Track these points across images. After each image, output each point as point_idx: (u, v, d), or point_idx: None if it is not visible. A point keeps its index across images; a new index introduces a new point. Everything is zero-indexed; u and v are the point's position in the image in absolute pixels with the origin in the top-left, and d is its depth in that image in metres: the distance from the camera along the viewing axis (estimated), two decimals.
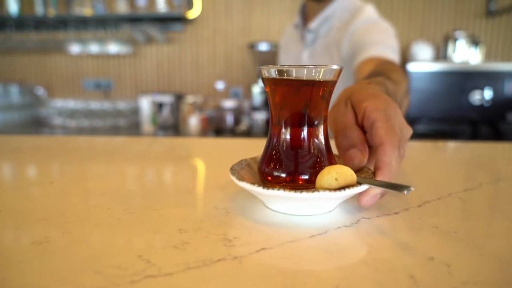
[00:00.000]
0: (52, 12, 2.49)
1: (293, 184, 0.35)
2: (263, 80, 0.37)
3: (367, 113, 0.37)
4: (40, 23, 2.58)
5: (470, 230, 0.32)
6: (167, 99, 2.36)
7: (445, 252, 0.27)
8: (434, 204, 0.38)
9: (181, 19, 2.54)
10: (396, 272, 0.25)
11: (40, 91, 2.73)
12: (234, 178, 0.34)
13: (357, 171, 0.37)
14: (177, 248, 0.28)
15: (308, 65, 0.34)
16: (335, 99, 0.43)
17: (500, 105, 2.04)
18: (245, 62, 2.58)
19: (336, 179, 0.32)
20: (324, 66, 0.34)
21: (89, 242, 0.30)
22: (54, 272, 0.25)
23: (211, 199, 0.40)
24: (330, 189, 0.31)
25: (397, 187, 0.29)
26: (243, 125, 2.35)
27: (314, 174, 0.34)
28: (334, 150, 0.39)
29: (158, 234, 0.30)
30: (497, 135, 2.07)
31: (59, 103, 2.45)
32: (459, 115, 2.09)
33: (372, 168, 0.36)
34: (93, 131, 2.35)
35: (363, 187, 0.32)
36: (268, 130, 0.39)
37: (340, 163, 0.38)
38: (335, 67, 0.35)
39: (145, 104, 2.33)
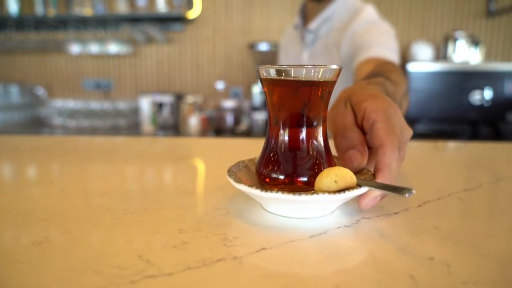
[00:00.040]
0: (52, 12, 2.49)
1: (291, 186, 0.35)
2: (261, 80, 0.36)
3: (367, 114, 0.36)
4: (40, 23, 2.58)
5: (470, 230, 0.32)
6: (167, 99, 2.36)
7: (445, 252, 0.27)
8: (434, 204, 0.38)
9: (181, 19, 2.54)
10: (396, 272, 0.25)
11: (40, 91, 2.73)
12: (231, 180, 0.34)
13: (356, 172, 0.36)
14: (177, 248, 0.28)
15: (307, 65, 0.34)
16: (334, 99, 0.43)
17: (500, 105, 2.04)
18: (245, 62, 2.58)
19: (335, 182, 0.31)
20: (323, 66, 0.34)
21: (89, 242, 0.29)
22: (54, 272, 0.25)
23: (211, 199, 0.40)
24: (329, 192, 0.31)
25: (398, 190, 0.29)
26: (243, 125, 2.35)
27: (313, 176, 0.34)
28: (333, 151, 0.38)
29: (158, 234, 0.30)
30: (497, 135, 2.07)
31: (59, 103, 2.45)
32: (459, 115, 2.09)
33: (372, 169, 0.36)
34: (93, 131, 2.35)
35: (363, 189, 0.31)
36: (266, 131, 0.38)
37: (339, 165, 0.38)
38: (334, 67, 0.34)
39: (145, 104, 2.33)
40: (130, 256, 0.26)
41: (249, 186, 0.32)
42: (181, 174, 0.55)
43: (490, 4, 2.29)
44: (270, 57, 2.47)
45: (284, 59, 1.24)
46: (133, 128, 2.41)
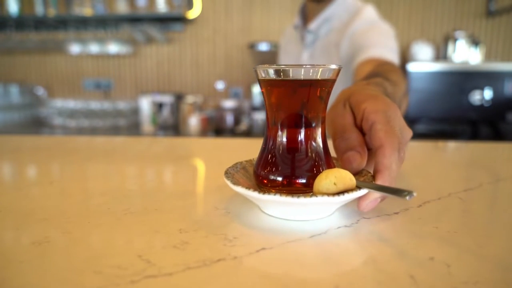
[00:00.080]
0: (52, 12, 2.49)
1: (290, 188, 0.34)
2: (259, 80, 0.36)
3: (366, 115, 0.36)
4: (40, 23, 2.58)
5: (470, 230, 0.32)
6: (167, 99, 2.36)
7: (445, 252, 0.27)
8: (434, 204, 0.38)
9: (181, 19, 2.54)
10: (396, 272, 0.25)
11: (40, 91, 2.73)
12: (228, 182, 0.33)
13: (356, 174, 0.36)
14: (177, 248, 0.28)
15: (305, 65, 0.33)
16: (333, 100, 0.42)
17: (500, 105, 2.04)
18: (245, 62, 2.58)
19: (334, 184, 0.31)
20: (322, 66, 0.33)
21: (89, 242, 0.29)
22: (54, 272, 0.25)
23: (211, 199, 0.40)
24: (328, 194, 0.30)
25: (398, 192, 0.28)
26: (243, 125, 2.35)
27: (311, 177, 0.33)
28: (332, 153, 0.38)
29: (158, 234, 0.30)
30: (497, 135, 2.07)
31: (59, 103, 2.45)
32: (459, 115, 2.09)
33: (371, 171, 0.35)
34: (93, 131, 2.35)
35: (363, 191, 0.31)
36: (264, 131, 0.38)
37: (338, 166, 0.37)
38: (333, 66, 0.34)
39: (145, 104, 2.34)
40: (130, 256, 0.26)
41: (246, 188, 0.31)
42: (181, 174, 0.55)
43: (490, 4, 2.29)
44: (270, 57, 2.47)
45: (284, 59, 1.24)
46: (133, 128, 2.41)
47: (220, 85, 2.61)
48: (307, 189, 0.34)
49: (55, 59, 2.74)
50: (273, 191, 0.34)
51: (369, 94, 0.39)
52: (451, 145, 0.87)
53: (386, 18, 1.09)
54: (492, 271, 0.25)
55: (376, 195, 0.32)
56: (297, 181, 0.34)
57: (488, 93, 2.04)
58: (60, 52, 2.68)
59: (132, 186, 0.47)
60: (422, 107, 2.09)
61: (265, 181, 0.35)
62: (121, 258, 0.26)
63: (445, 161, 0.67)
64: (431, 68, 2.10)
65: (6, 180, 0.52)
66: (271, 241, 0.29)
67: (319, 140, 0.36)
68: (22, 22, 2.56)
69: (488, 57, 2.36)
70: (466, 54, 2.20)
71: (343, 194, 0.30)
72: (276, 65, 0.34)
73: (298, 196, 0.29)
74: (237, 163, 0.39)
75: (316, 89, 0.35)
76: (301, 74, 0.34)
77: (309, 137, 0.35)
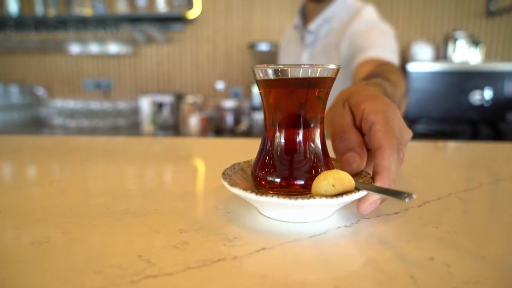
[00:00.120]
0: (52, 12, 2.49)
1: (288, 189, 0.34)
2: (257, 80, 0.35)
3: (366, 115, 0.35)
4: (40, 23, 2.58)
5: (470, 230, 0.32)
6: (167, 99, 2.36)
7: (445, 252, 0.27)
8: (434, 204, 0.38)
9: (181, 19, 2.54)
10: (396, 272, 0.25)
11: (40, 91, 2.73)
12: (226, 184, 0.33)
13: (355, 175, 0.35)
14: (177, 248, 0.28)
15: (304, 65, 0.33)
16: (332, 100, 0.42)
17: (500, 105, 2.05)
18: (245, 62, 2.58)
19: (333, 185, 0.30)
20: (321, 66, 0.33)
21: (89, 242, 0.30)
22: (54, 272, 0.25)
23: (211, 199, 0.40)
24: (326, 196, 0.30)
25: (398, 194, 0.28)
26: (243, 125, 2.35)
27: (310, 178, 0.33)
28: (331, 153, 0.38)
29: (158, 234, 0.30)
30: (497, 135, 2.07)
31: (59, 103, 2.45)
32: (459, 115, 2.09)
33: (371, 172, 0.35)
34: (93, 131, 2.35)
35: (361, 193, 0.31)
36: (262, 132, 0.37)
37: (337, 167, 0.37)
38: (331, 66, 0.33)
39: (145, 104, 2.34)
40: (130, 256, 0.26)
41: (243, 189, 0.31)
42: (181, 174, 0.55)
43: (490, 4, 2.29)
44: (270, 57, 2.47)
45: (284, 60, 1.24)
46: (133, 128, 2.41)
47: (220, 85, 2.61)
48: (306, 191, 0.34)
49: (55, 59, 2.74)
50: (271, 192, 0.34)
51: (368, 95, 0.38)
52: (451, 145, 0.87)
53: (386, 18, 1.09)
54: (492, 271, 0.25)
55: (376, 197, 0.31)
56: (296, 182, 0.34)
57: (488, 93, 2.04)
58: (60, 52, 2.68)
59: (132, 186, 0.47)
60: (422, 107, 2.09)
61: (263, 183, 0.35)
62: (121, 258, 0.26)
63: (445, 161, 0.67)
64: (431, 68, 2.10)
65: (6, 180, 0.52)
66: (271, 241, 0.29)
67: (318, 141, 0.35)
68: (22, 22, 2.56)
69: (488, 57, 2.36)
70: (466, 54, 2.20)
71: (342, 196, 0.30)
72: (274, 65, 0.33)
73: (296, 198, 0.29)
74: (235, 164, 0.39)
75: (314, 89, 0.34)
76: (299, 74, 0.33)
77: (308, 138, 0.35)
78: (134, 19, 2.50)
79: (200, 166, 0.62)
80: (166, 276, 0.24)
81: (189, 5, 2.47)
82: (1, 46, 2.64)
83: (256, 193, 0.30)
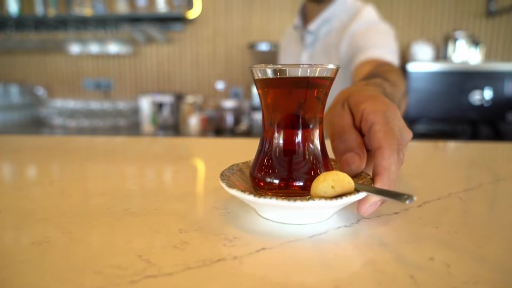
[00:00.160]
0: (52, 12, 2.49)
1: (287, 190, 0.34)
2: (255, 80, 0.35)
3: (365, 115, 0.35)
4: (40, 23, 2.58)
5: (470, 230, 0.32)
6: (167, 99, 2.36)
7: (445, 252, 0.27)
8: (434, 204, 0.38)
9: (181, 19, 2.54)
10: (396, 272, 0.25)
11: (40, 91, 2.73)
12: (224, 185, 0.32)
13: (354, 176, 0.35)
14: (177, 248, 0.28)
15: (303, 65, 0.33)
16: (331, 101, 0.42)
17: (500, 105, 2.05)
18: (245, 62, 2.58)
19: (332, 187, 0.30)
20: (320, 66, 0.33)
21: (89, 242, 0.30)
22: (54, 272, 0.25)
23: (211, 199, 0.40)
24: (326, 198, 0.29)
25: (398, 196, 0.27)
26: (243, 125, 2.35)
27: (309, 180, 0.33)
28: (331, 154, 0.37)
29: (158, 234, 0.30)
30: (497, 135, 2.07)
31: (59, 103, 2.45)
32: (459, 115, 2.09)
33: (370, 173, 0.35)
34: (93, 131, 2.35)
35: (361, 194, 0.30)
36: (261, 133, 0.37)
37: (336, 168, 0.37)
38: (330, 66, 0.33)
39: (145, 104, 2.34)
40: (130, 256, 0.26)
41: (242, 191, 0.31)
42: (181, 174, 0.55)
43: (490, 4, 2.29)
44: (270, 57, 2.47)
45: (284, 60, 1.24)
46: (133, 128, 2.41)
47: (220, 85, 2.61)
48: (305, 192, 0.34)
49: (55, 59, 2.74)
50: (270, 194, 0.34)
51: (368, 95, 0.38)
52: (451, 145, 0.87)
53: (386, 18, 1.09)
54: (492, 271, 0.25)
55: (376, 198, 0.31)
56: (294, 183, 0.34)
57: (488, 93, 2.04)
58: (60, 52, 2.68)
59: (132, 186, 0.47)
60: (422, 107, 2.09)
61: (262, 184, 0.35)
62: (121, 258, 0.26)
63: (445, 161, 0.67)
64: (431, 68, 2.10)
65: (6, 180, 0.52)
66: (271, 241, 0.29)
67: (317, 141, 0.35)
68: (22, 22, 2.56)
69: (488, 57, 2.36)
70: (466, 54, 2.20)
71: (341, 197, 0.29)
72: (273, 64, 0.33)
73: (295, 200, 0.29)
74: (233, 165, 0.39)
75: (313, 89, 0.34)
76: (298, 74, 0.33)
77: (307, 138, 0.35)
78: (134, 19, 2.50)
79: (200, 166, 0.62)
80: (166, 276, 0.24)
81: (189, 5, 2.47)
82: (1, 46, 2.64)
83: (255, 195, 0.30)
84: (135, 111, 2.47)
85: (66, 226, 0.32)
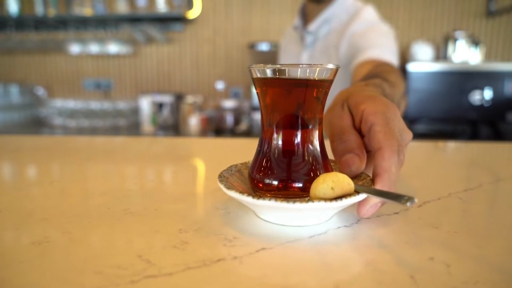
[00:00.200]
0: (52, 12, 2.49)
1: (286, 192, 0.33)
2: (254, 80, 0.35)
3: (365, 116, 0.35)
4: (40, 23, 2.58)
5: (470, 230, 0.32)
6: (167, 99, 2.36)
7: (445, 252, 0.27)
8: (434, 204, 0.38)
9: (181, 19, 2.54)
10: (396, 272, 0.25)
11: (40, 91, 2.73)
12: (222, 186, 0.32)
13: (354, 177, 0.35)
14: (177, 248, 0.28)
15: (302, 64, 0.32)
16: (331, 101, 0.42)
17: (500, 105, 2.05)
18: (245, 62, 2.58)
19: (332, 188, 0.29)
20: (319, 65, 0.32)
21: (89, 242, 0.30)
22: (54, 272, 0.25)
23: (211, 199, 0.40)
24: (325, 199, 0.29)
25: (398, 198, 0.27)
26: (243, 125, 2.35)
27: (308, 181, 0.32)
28: (330, 155, 0.37)
29: (158, 234, 0.30)
30: (497, 135, 2.07)
31: (59, 103, 2.45)
32: (459, 115, 2.09)
33: (370, 174, 0.34)
34: (93, 131, 2.35)
35: (361, 196, 0.30)
36: (260, 133, 0.37)
37: (336, 169, 0.37)
38: (330, 66, 0.33)
39: (145, 104, 2.34)
40: (130, 256, 0.26)
41: (240, 192, 0.30)
42: (181, 174, 0.55)
43: (490, 4, 2.29)
44: (270, 57, 2.47)
45: (284, 60, 1.24)
46: (133, 128, 2.41)
47: (220, 85, 2.61)
48: (304, 194, 0.33)
49: (55, 59, 2.74)
50: (269, 195, 0.33)
51: (368, 95, 0.38)
52: (451, 145, 0.87)
53: (386, 18, 1.09)
54: (492, 271, 0.25)
55: (376, 200, 0.31)
56: (294, 185, 0.33)
57: (488, 93, 2.04)
58: (60, 52, 2.68)
59: (132, 186, 0.47)
60: (422, 107, 2.09)
61: (260, 185, 0.34)
62: (121, 258, 0.26)
63: (445, 161, 0.67)
64: (431, 68, 2.10)
65: (6, 180, 0.52)
66: (271, 241, 0.29)
67: (316, 142, 0.35)
68: (22, 22, 2.56)
69: (488, 57, 2.36)
70: (466, 54, 2.20)
71: (341, 199, 0.29)
72: (272, 64, 0.33)
73: (294, 202, 0.28)
74: (231, 166, 0.38)
75: (313, 89, 0.33)
76: (297, 74, 0.33)
77: (306, 139, 0.34)
78: (134, 19, 2.50)
79: (200, 166, 0.62)
80: (166, 276, 0.24)
81: (189, 5, 2.47)
82: (1, 46, 2.64)
83: (253, 196, 0.29)
84: (135, 111, 2.47)
85: (66, 226, 0.32)
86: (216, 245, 0.28)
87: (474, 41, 2.21)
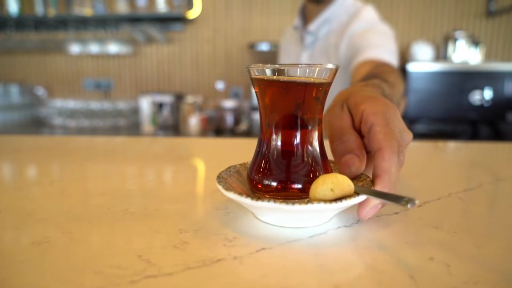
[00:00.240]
0: (52, 12, 2.49)
1: (285, 193, 0.33)
2: (252, 80, 0.35)
3: (365, 117, 0.35)
4: (40, 23, 2.58)
5: (470, 230, 0.32)
6: (167, 99, 2.36)
7: (445, 252, 0.27)
8: (434, 204, 0.38)
9: (181, 19, 2.54)
10: (396, 272, 0.25)
11: (40, 91, 2.73)
12: (220, 188, 0.32)
13: (354, 178, 0.34)
14: (177, 248, 0.28)
15: (301, 64, 0.32)
16: (330, 102, 0.42)
17: (500, 105, 2.04)
18: (245, 62, 2.58)
19: (331, 190, 0.29)
20: (319, 65, 0.32)
21: (89, 242, 0.30)
22: (54, 272, 0.25)
23: (211, 199, 0.40)
24: (325, 201, 0.29)
25: (399, 199, 0.27)
26: (243, 125, 2.35)
27: (308, 182, 0.32)
28: (330, 156, 0.37)
29: (158, 234, 0.30)
30: (497, 135, 2.07)
31: (59, 103, 2.45)
32: (459, 115, 2.09)
33: (370, 175, 0.34)
34: (93, 131, 2.35)
35: (361, 197, 0.30)
36: (258, 134, 0.36)
37: (336, 170, 0.36)
38: (329, 66, 0.33)
39: (145, 104, 2.34)
40: (130, 256, 0.26)
41: (239, 194, 0.30)
42: (181, 174, 0.55)
43: (490, 4, 2.29)
44: (270, 57, 2.47)
45: (284, 60, 1.24)
46: (133, 128, 2.41)
47: (220, 85, 2.61)
48: (303, 195, 0.33)
49: (55, 59, 2.74)
50: (267, 196, 0.33)
51: (367, 96, 0.38)
52: (451, 145, 0.87)
53: (386, 18, 1.09)
54: (492, 271, 0.25)
55: (376, 201, 0.31)
56: (293, 186, 0.33)
57: (488, 93, 2.04)
58: (60, 52, 2.68)
59: (132, 186, 0.47)
60: (422, 107, 2.09)
61: (259, 186, 0.34)
62: (121, 258, 0.26)
63: (445, 161, 0.67)
64: (431, 68, 2.10)
65: (6, 180, 0.52)
66: (271, 241, 0.29)
67: (316, 143, 0.34)
68: (22, 22, 2.56)
69: (488, 57, 2.36)
70: (466, 54, 2.20)
71: (341, 200, 0.29)
72: (271, 64, 0.32)
73: (293, 203, 0.28)
74: (230, 166, 0.38)
75: (312, 89, 0.33)
76: (296, 74, 0.33)
77: (305, 140, 0.34)
78: (134, 19, 2.50)
79: (200, 166, 0.62)
80: (166, 276, 0.24)
81: (189, 5, 2.47)
82: (1, 46, 2.64)
83: (252, 198, 0.29)
84: (135, 111, 2.47)
85: (66, 226, 0.32)
86: (216, 245, 0.28)
87: (474, 41, 2.21)
